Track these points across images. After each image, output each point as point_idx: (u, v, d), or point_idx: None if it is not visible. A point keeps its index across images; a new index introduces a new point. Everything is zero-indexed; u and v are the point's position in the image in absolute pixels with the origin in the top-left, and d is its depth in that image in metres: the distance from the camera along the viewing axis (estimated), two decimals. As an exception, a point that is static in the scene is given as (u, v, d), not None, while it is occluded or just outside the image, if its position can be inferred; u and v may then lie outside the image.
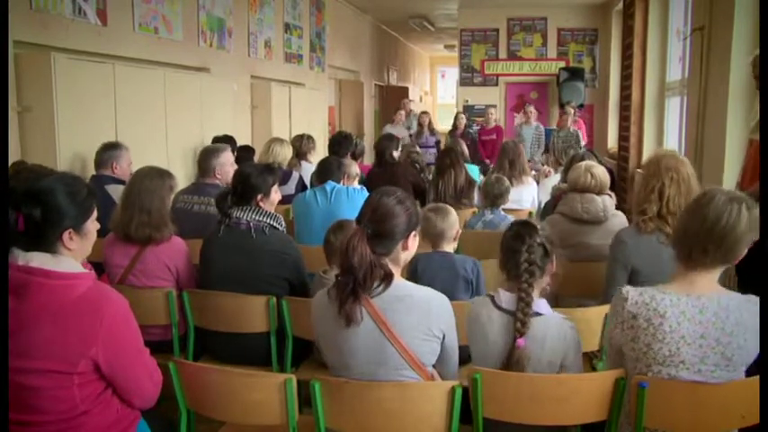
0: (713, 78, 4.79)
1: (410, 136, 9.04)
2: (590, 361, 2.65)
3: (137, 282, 2.73)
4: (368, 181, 4.65)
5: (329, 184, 3.75)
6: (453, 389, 1.77)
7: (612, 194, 3.24)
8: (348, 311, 1.77)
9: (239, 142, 5.24)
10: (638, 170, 7.27)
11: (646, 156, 7.24)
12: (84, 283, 1.65)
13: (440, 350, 1.88)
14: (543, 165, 6.95)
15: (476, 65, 11.01)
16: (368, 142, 9.73)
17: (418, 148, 6.67)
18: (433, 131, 9.13)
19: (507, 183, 4.02)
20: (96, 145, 3.75)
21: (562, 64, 10.47)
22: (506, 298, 1.96)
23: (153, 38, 4.89)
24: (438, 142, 8.93)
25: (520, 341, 1.89)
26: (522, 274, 1.93)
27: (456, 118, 9.07)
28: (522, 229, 2.01)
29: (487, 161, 8.21)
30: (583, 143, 8.08)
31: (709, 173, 4.59)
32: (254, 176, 2.76)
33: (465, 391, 1.80)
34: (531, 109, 8.52)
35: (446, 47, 15.67)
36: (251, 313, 2.62)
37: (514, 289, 1.95)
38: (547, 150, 7.82)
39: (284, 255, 2.71)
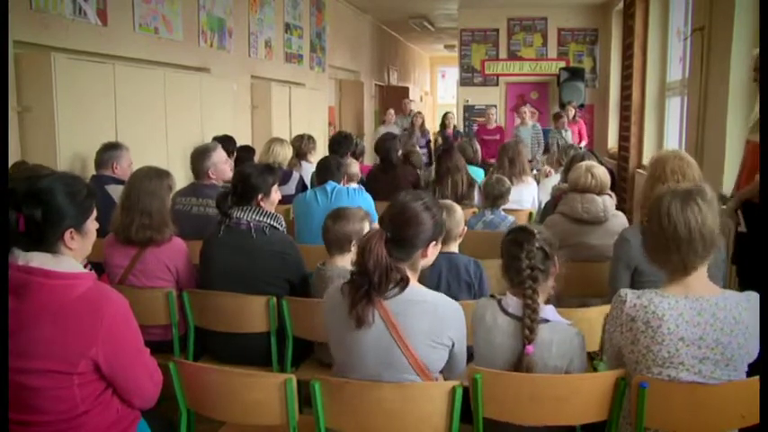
0: (713, 78, 4.79)
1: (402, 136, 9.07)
2: (590, 361, 2.65)
3: (137, 282, 2.73)
4: (369, 182, 4.64)
5: (330, 185, 3.75)
6: (454, 389, 1.77)
7: (613, 194, 3.24)
8: (360, 313, 1.75)
9: (239, 142, 5.23)
10: (639, 170, 7.27)
11: (646, 156, 7.25)
12: (84, 283, 1.65)
13: (448, 357, 1.86)
14: (544, 165, 6.96)
15: (476, 65, 11.01)
16: (368, 142, 9.73)
17: (418, 149, 6.67)
18: (424, 132, 9.16)
19: (508, 183, 4.01)
20: (96, 145, 3.75)
21: (562, 64, 10.47)
22: (513, 303, 1.94)
23: (153, 38, 4.89)
24: (429, 142, 8.95)
25: (529, 348, 1.87)
26: (525, 280, 1.91)
27: (444, 117, 9.08)
28: (519, 236, 1.98)
29: (491, 160, 8.22)
30: (583, 143, 8.10)
31: (709, 173, 4.58)
32: (254, 176, 2.76)
33: (465, 391, 1.80)
34: (525, 110, 8.50)
35: (446, 47, 15.66)
36: (251, 313, 2.62)
37: (520, 295, 1.93)
38: (547, 150, 7.83)
39: (284, 255, 2.71)
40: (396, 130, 8.90)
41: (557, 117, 8.30)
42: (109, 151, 3.72)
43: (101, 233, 1.87)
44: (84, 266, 1.84)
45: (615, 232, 2.82)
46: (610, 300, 1.92)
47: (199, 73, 5.48)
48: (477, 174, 5.04)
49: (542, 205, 4.42)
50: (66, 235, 1.66)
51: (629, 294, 1.80)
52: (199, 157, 3.68)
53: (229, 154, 4.44)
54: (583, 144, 8.07)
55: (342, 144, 5.07)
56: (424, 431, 1.82)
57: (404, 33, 14.00)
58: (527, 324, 1.88)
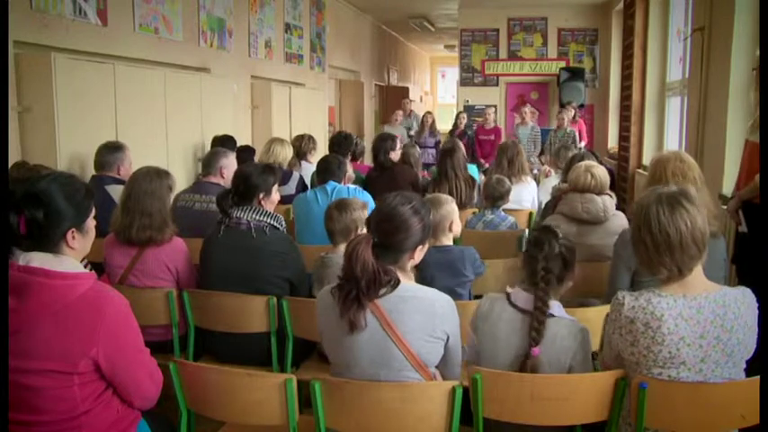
0: (713, 79, 4.80)
1: (410, 136, 9.05)
2: (592, 361, 2.65)
3: (137, 282, 2.73)
4: (368, 184, 4.63)
5: (330, 185, 3.75)
6: (454, 389, 1.77)
7: (613, 194, 3.24)
8: (352, 318, 1.75)
9: (239, 142, 5.23)
10: (639, 170, 7.27)
11: (646, 156, 7.25)
12: (84, 282, 1.65)
13: (443, 352, 1.87)
14: (543, 165, 6.95)
15: (476, 65, 11.01)
16: (368, 142, 9.73)
17: (418, 148, 6.66)
18: (433, 132, 9.14)
19: (508, 184, 4.01)
20: (96, 145, 3.74)
21: (562, 64, 10.46)
22: (523, 297, 1.94)
23: (153, 38, 4.89)
24: (438, 142, 8.94)
25: (535, 350, 1.86)
26: (539, 282, 1.92)
27: (457, 117, 9.08)
28: (542, 235, 1.98)
29: (483, 161, 8.24)
30: (583, 143, 8.08)
31: (709, 173, 4.58)
32: (254, 176, 2.76)
33: (465, 391, 1.80)
34: (526, 110, 8.49)
35: (446, 47, 15.67)
36: (251, 313, 2.62)
37: (531, 291, 1.94)
38: (543, 152, 7.82)
39: (284, 255, 2.71)
40: (402, 131, 8.90)
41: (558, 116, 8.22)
42: (113, 153, 3.69)
43: (100, 233, 1.87)
44: (84, 266, 1.84)
45: (615, 232, 2.82)
46: (609, 300, 1.92)
47: (199, 73, 5.48)
48: (471, 169, 5.01)
49: (542, 205, 4.42)
50: (68, 235, 1.66)
51: (626, 297, 1.80)
52: (217, 154, 3.83)
53: (229, 154, 4.45)
54: (582, 144, 8.07)
55: (342, 144, 5.06)
56: (424, 431, 1.82)
57: (404, 33, 14.00)
58: (534, 326, 1.88)
